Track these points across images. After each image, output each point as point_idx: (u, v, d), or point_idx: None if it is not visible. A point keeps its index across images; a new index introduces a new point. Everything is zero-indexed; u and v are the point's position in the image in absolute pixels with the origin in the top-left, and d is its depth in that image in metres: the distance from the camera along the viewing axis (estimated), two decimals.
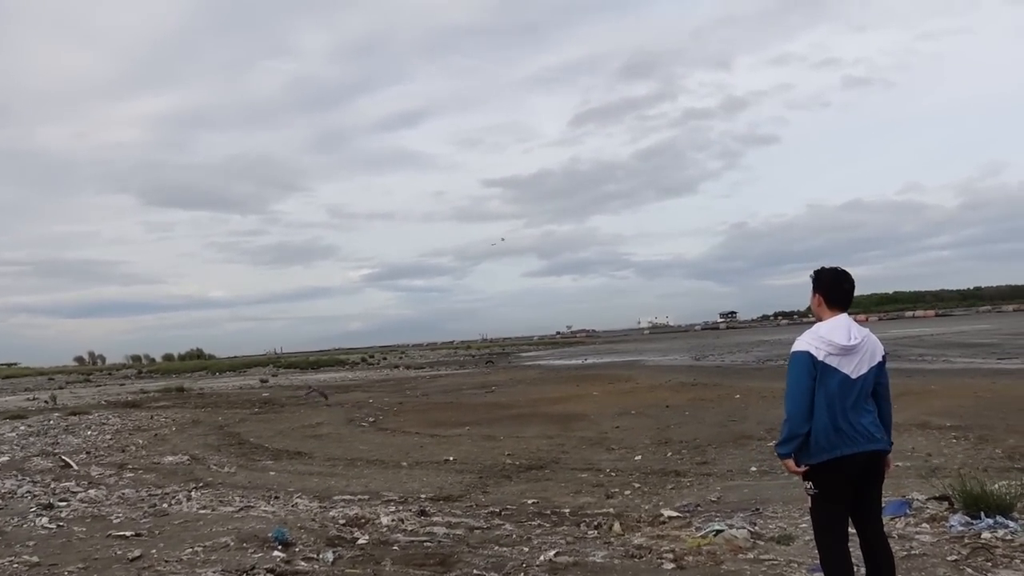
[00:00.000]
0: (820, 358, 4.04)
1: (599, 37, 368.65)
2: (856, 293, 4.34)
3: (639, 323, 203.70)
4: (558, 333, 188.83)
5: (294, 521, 7.78)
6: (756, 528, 6.60)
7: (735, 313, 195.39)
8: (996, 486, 6.49)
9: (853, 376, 4.02)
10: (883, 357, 4.18)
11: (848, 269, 4.28)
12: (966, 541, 5.72)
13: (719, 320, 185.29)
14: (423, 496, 9.60)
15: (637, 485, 9.82)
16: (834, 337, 4.07)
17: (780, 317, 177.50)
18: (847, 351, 4.05)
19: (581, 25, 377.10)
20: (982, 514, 6.08)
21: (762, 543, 6.15)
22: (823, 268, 4.35)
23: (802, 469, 4.14)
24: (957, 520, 6.12)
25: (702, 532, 6.41)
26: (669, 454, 12.18)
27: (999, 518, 6.02)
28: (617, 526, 7.32)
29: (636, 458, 11.95)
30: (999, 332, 43.25)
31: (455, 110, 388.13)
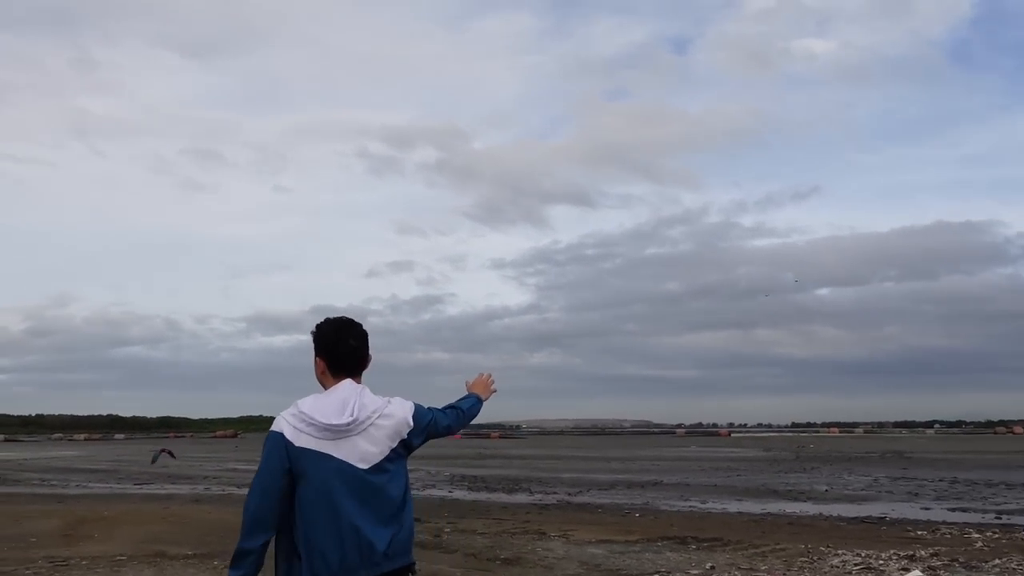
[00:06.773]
0: (298, 443, 2.73)
1: None
2: None
3: None
4: None
5: None
6: None
7: None
8: None
9: (361, 466, 2.76)
10: (408, 433, 2.89)
11: None
12: None
13: None
14: None
15: None
16: (317, 414, 2.76)
17: None
18: (339, 433, 2.74)
19: None
20: None
21: None
22: (325, 320, 3.02)
23: None
24: None
25: None
26: None
27: None
28: None
29: None
30: (94, 458, 45.58)
31: None
